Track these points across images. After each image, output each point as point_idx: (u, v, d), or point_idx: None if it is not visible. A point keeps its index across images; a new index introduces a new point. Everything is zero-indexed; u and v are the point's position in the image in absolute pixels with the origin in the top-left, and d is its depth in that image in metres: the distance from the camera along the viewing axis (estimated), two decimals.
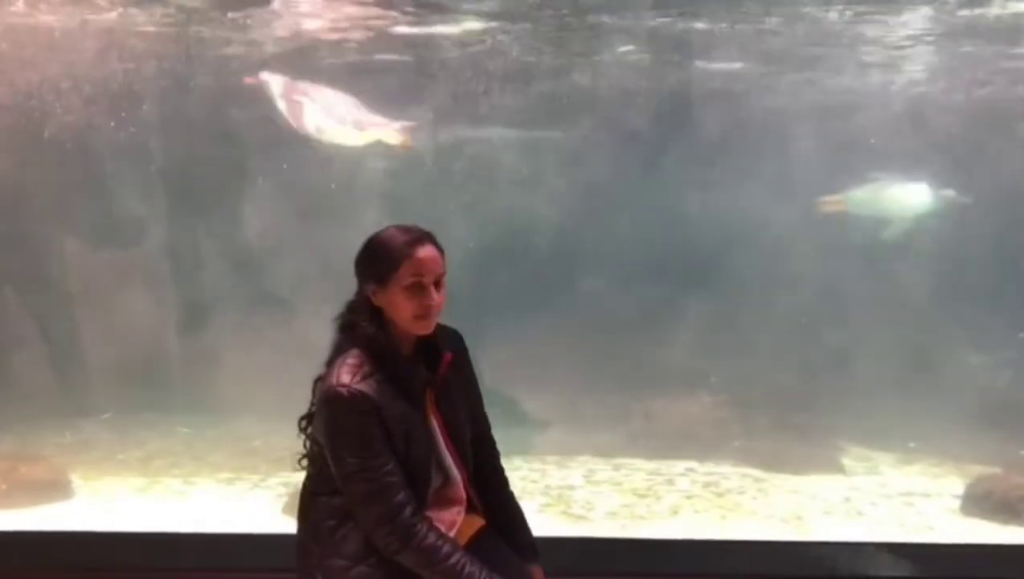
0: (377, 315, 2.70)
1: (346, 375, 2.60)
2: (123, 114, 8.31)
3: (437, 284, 2.68)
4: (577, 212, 9.31)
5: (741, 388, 8.17)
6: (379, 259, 2.67)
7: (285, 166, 8.36)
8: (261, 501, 6.39)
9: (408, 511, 2.57)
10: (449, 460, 2.77)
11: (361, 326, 2.68)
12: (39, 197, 8.33)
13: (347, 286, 2.77)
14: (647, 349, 8.69)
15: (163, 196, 8.67)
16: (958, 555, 5.20)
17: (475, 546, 2.76)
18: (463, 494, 2.81)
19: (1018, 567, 4.72)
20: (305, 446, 2.79)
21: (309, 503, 2.79)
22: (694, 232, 9.31)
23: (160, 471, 7.06)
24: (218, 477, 6.93)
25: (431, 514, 2.67)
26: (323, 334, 2.78)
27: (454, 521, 2.78)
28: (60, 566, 4.49)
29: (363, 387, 2.58)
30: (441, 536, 2.60)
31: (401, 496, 2.58)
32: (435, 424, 2.76)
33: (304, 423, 2.78)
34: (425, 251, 2.66)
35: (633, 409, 8.30)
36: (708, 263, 9.19)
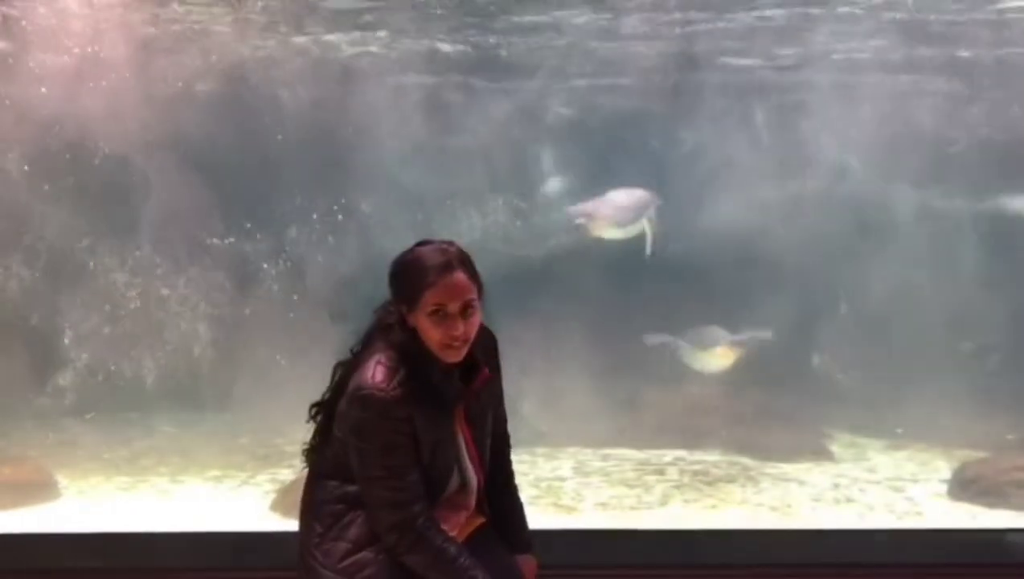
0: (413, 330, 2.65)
1: (382, 377, 2.54)
2: None
3: (465, 311, 2.56)
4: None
5: (730, 376, 8.17)
6: (406, 281, 2.60)
7: None
8: (249, 499, 6.35)
9: (422, 520, 2.57)
10: (470, 469, 2.76)
11: (396, 328, 2.63)
12: None
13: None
14: (635, 339, 8.68)
15: None
16: (947, 540, 5.23)
17: (472, 543, 2.75)
18: (474, 500, 2.80)
19: (1006, 551, 4.75)
20: (315, 421, 2.73)
21: (316, 483, 2.73)
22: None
23: (146, 470, 7.01)
24: (205, 475, 6.89)
25: (439, 514, 2.65)
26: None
27: (460, 523, 2.77)
28: (46, 568, 4.44)
29: (399, 393, 2.53)
30: (447, 539, 2.59)
31: (418, 507, 2.57)
32: (462, 435, 2.73)
33: (315, 410, 2.72)
34: (452, 278, 2.54)
35: (621, 399, 8.31)
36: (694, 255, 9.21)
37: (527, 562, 2.90)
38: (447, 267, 2.55)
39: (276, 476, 6.58)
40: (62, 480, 6.51)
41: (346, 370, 2.68)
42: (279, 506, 5.77)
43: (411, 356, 2.61)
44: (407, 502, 2.55)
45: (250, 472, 6.91)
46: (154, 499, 6.42)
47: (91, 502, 6.30)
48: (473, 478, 2.77)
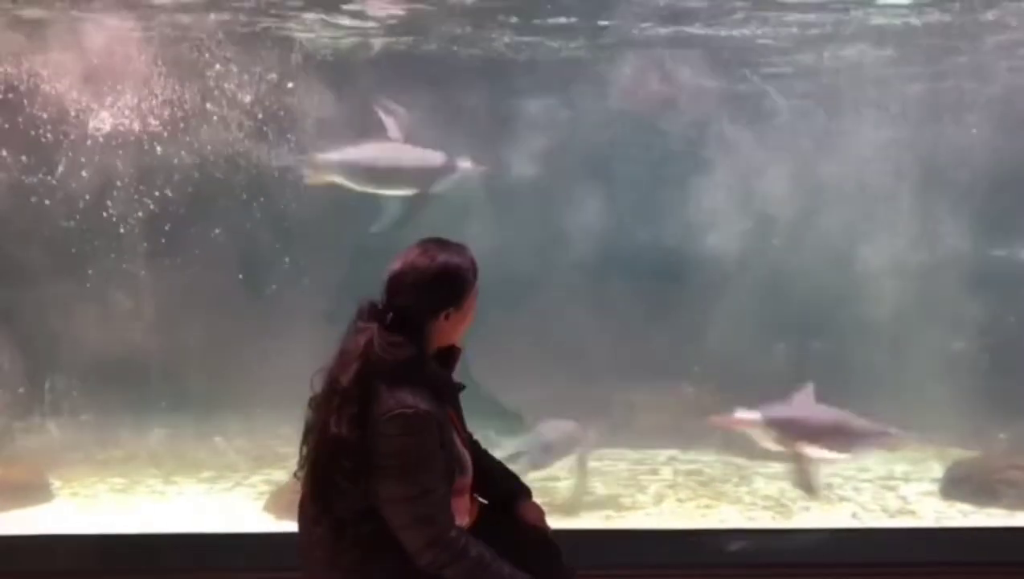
0: (417, 334, 2.67)
1: (407, 395, 2.56)
2: None
3: None
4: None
5: (724, 377, 8.19)
6: (458, 284, 2.71)
7: None
8: (243, 500, 6.35)
9: (454, 529, 2.58)
10: (465, 453, 2.79)
11: (418, 355, 2.63)
12: None
13: None
14: (629, 340, 8.69)
15: None
16: (939, 538, 5.26)
17: (482, 527, 2.79)
18: (471, 478, 2.82)
19: (998, 549, 4.77)
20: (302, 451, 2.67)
21: (366, 555, 2.62)
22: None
23: (140, 471, 7.00)
24: (199, 476, 6.89)
25: (453, 506, 2.67)
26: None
27: (469, 509, 2.81)
28: (40, 570, 4.44)
29: (425, 406, 2.57)
30: (477, 544, 2.61)
31: (450, 518, 2.59)
32: (454, 420, 2.78)
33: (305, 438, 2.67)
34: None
35: (616, 399, 8.32)
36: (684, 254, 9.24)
37: (532, 508, 2.99)
38: (473, 258, 2.76)
39: (270, 477, 6.59)
40: (55, 482, 6.50)
41: (355, 396, 2.57)
42: (273, 507, 5.77)
43: (418, 364, 2.63)
44: (441, 516, 2.57)
45: (244, 473, 6.90)
46: (149, 500, 6.41)
47: (85, 504, 6.29)
48: (467, 456, 2.79)
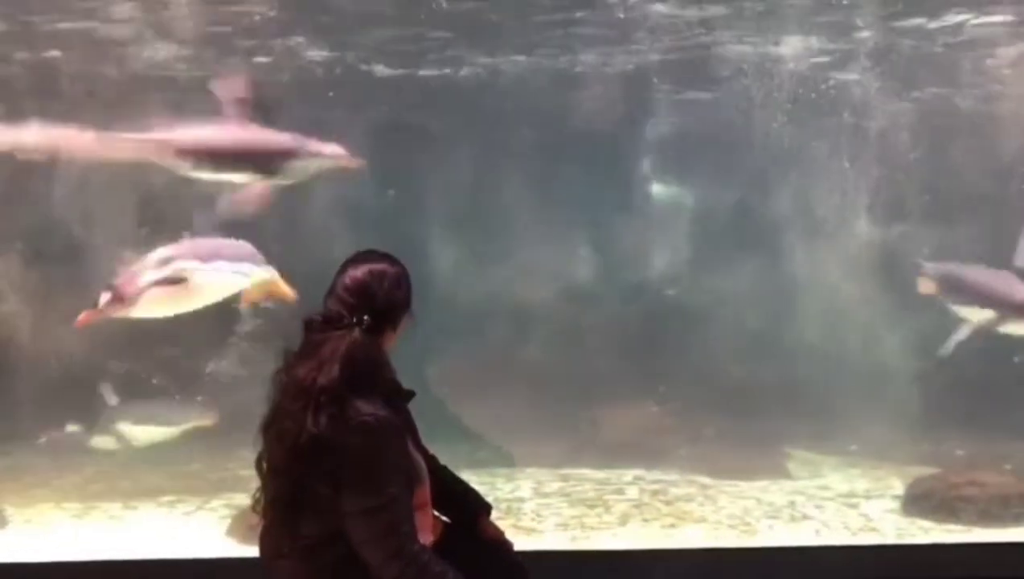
0: (382, 339, 2.70)
1: (365, 403, 2.55)
2: None
3: None
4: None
5: (688, 396, 8.25)
6: (409, 289, 2.79)
7: None
8: (205, 524, 6.25)
9: (417, 542, 2.56)
10: (420, 461, 2.76)
11: (363, 346, 2.62)
12: None
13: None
14: (592, 359, 8.74)
15: None
16: (900, 555, 5.31)
17: (446, 545, 2.77)
18: (429, 490, 2.79)
19: (958, 566, 4.83)
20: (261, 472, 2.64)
21: (303, 567, 2.60)
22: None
23: (98, 496, 6.86)
24: (159, 501, 6.76)
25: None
26: None
27: (432, 524, 2.77)
28: None
29: (384, 413, 2.56)
30: (440, 561, 2.58)
31: (411, 526, 2.56)
32: (407, 428, 2.77)
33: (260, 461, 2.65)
34: None
35: (580, 419, 8.33)
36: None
37: (492, 527, 3.00)
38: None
39: (232, 501, 6.48)
40: (8, 508, 6.34)
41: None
42: (235, 532, 5.68)
43: (387, 370, 2.66)
44: (404, 527, 2.53)
45: (206, 497, 6.79)
46: (107, 526, 6.27)
47: (39, 530, 6.14)
48: (423, 465, 2.77)
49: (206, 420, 7.21)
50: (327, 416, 2.51)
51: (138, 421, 7.23)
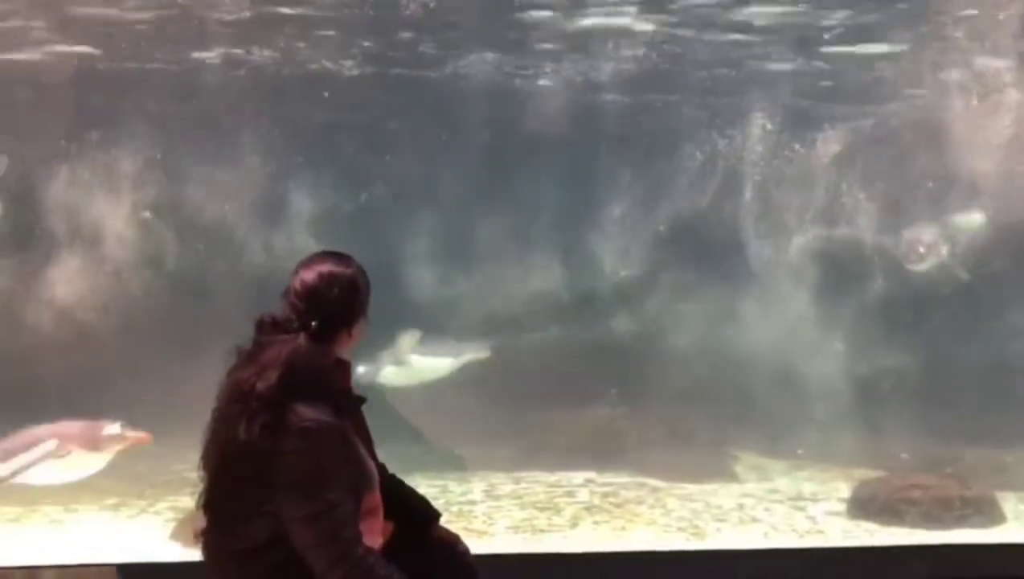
0: (332, 345, 2.65)
1: (308, 409, 2.50)
2: None
3: None
4: None
5: (638, 400, 8.29)
6: (365, 293, 2.73)
7: None
8: (149, 527, 6.12)
9: (361, 546, 2.51)
10: (372, 467, 2.72)
11: (329, 374, 2.60)
12: None
13: None
14: (544, 363, 8.74)
15: None
16: (846, 557, 5.38)
17: (394, 550, 2.73)
18: (379, 496, 2.76)
19: (902, 566, 4.91)
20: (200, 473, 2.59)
21: (240, 573, 2.56)
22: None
23: (37, 499, 6.68)
24: (102, 503, 6.61)
25: (363, 527, 2.60)
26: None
27: (381, 529, 2.74)
28: None
29: (327, 418, 2.51)
30: (387, 566, 2.54)
31: (355, 531, 2.52)
32: (358, 434, 2.72)
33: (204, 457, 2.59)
34: None
35: (531, 422, 8.33)
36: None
37: (444, 530, 2.97)
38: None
39: (177, 503, 6.37)
40: None
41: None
42: (180, 535, 5.58)
43: (334, 375, 2.61)
44: (348, 531, 2.49)
45: (150, 499, 6.66)
46: (46, 530, 6.12)
47: None
48: (374, 471, 2.73)
49: (482, 353, 8.00)
50: (259, 424, 2.47)
51: (425, 354, 7.63)
